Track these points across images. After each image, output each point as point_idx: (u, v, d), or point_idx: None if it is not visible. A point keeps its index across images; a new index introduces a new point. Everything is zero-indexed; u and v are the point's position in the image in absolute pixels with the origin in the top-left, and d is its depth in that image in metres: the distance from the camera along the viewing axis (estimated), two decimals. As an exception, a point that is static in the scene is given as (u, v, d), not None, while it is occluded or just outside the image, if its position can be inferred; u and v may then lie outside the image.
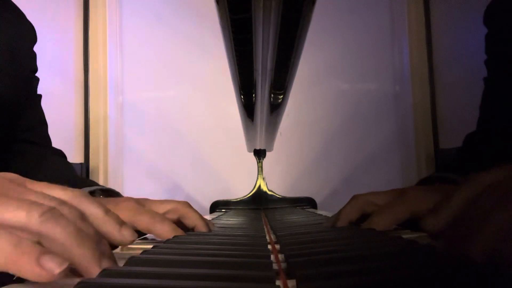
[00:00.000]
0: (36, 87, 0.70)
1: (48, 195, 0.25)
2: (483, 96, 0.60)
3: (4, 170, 0.28)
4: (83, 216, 0.26)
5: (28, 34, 0.67)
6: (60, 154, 0.72)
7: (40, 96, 0.71)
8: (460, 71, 1.33)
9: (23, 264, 0.20)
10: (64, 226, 0.22)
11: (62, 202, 0.25)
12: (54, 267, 0.20)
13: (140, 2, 1.52)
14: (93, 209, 0.28)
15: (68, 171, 0.68)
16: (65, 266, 0.20)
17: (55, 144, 0.74)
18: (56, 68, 1.34)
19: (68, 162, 0.73)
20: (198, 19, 1.46)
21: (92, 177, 1.42)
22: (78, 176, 0.71)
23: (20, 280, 0.21)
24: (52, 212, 0.23)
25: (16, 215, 0.22)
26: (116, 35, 1.49)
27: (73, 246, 0.22)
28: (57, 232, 0.22)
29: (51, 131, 0.73)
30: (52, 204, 0.24)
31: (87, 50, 1.47)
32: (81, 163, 1.39)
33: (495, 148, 0.54)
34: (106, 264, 0.23)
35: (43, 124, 0.71)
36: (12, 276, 0.21)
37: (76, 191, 0.28)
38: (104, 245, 0.26)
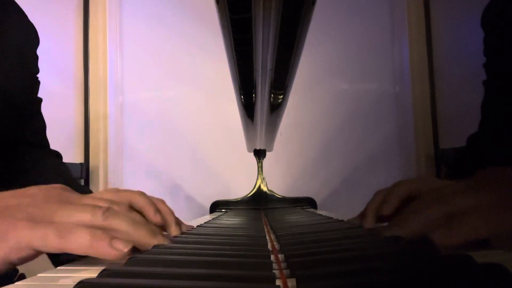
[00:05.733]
0: (38, 90, 0.70)
1: (99, 198, 0.33)
2: (484, 98, 0.60)
3: (5, 171, 0.34)
4: (130, 209, 0.34)
5: (32, 36, 0.67)
6: (57, 155, 0.73)
7: (41, 99, 0.71)
8: (460, 71, 1.33)
9: (100, 248, 0.26)
10: (121, 219, 0.30)
11: (112, 202, 0.33)
12: (122, 247, 0.27)
13: (140, 2, 1.52)
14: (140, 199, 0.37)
15: (62, 173, 0.69)
16: (130, 246, 0.27)
17: (55, 144, 0.74)
18: (56, 68, 1.34)
19: (64, 164, 0.74)
20: (198, 19, 1.46)
21: (92, 177, 1.42)
22: (70, 178, 0.71)
23: (20, 280, 0.21)
24: (109, 210, 0.30)
25: (83, 216, 0.29)
26: (116, 35, 1.49)
27: (132, 231, 0.30)
28: (117, 224, 0.30)
29: (51, 131, 0.73)
30: (106, 204, 0.32)
31: (87, 50, 1.47)
32: (81, 163, 1.39)
33: (496, 150, 0.54)
34: (160, 238, 0.31)
35: (44, 126, 0.72)
36: (12, 277, 0.22)
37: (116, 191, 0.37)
38: (153, 225, 0.34)
